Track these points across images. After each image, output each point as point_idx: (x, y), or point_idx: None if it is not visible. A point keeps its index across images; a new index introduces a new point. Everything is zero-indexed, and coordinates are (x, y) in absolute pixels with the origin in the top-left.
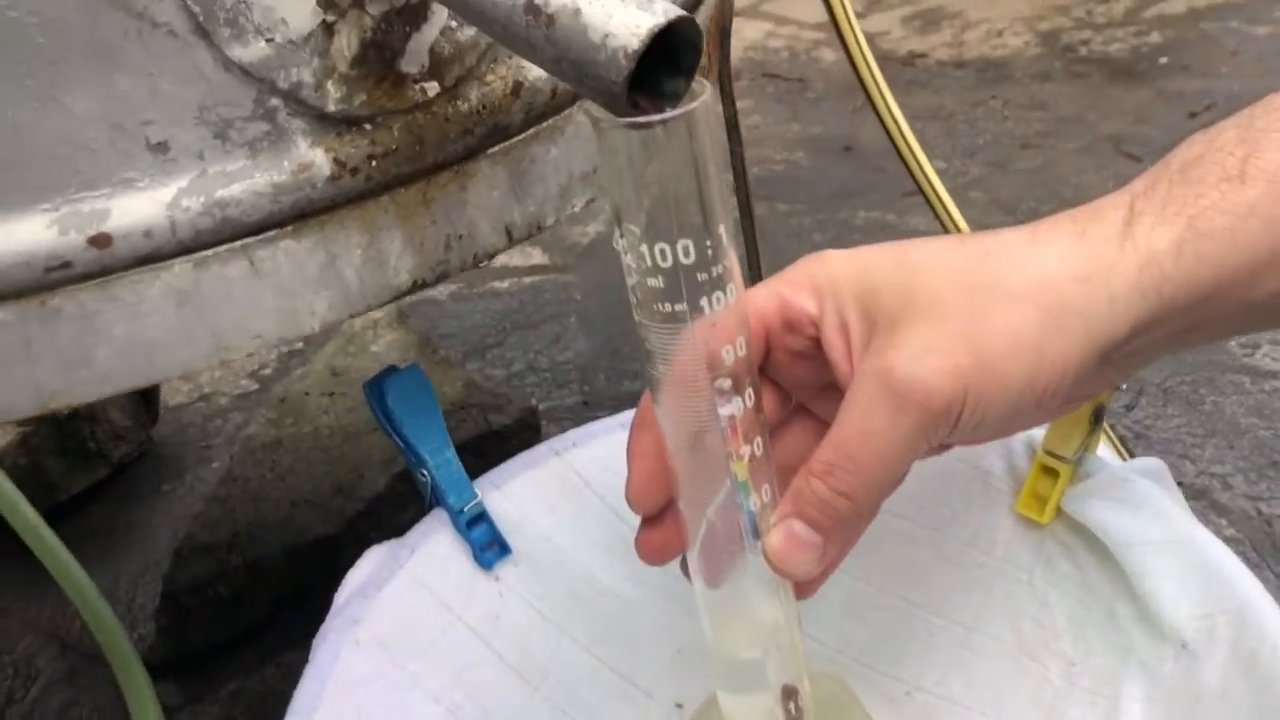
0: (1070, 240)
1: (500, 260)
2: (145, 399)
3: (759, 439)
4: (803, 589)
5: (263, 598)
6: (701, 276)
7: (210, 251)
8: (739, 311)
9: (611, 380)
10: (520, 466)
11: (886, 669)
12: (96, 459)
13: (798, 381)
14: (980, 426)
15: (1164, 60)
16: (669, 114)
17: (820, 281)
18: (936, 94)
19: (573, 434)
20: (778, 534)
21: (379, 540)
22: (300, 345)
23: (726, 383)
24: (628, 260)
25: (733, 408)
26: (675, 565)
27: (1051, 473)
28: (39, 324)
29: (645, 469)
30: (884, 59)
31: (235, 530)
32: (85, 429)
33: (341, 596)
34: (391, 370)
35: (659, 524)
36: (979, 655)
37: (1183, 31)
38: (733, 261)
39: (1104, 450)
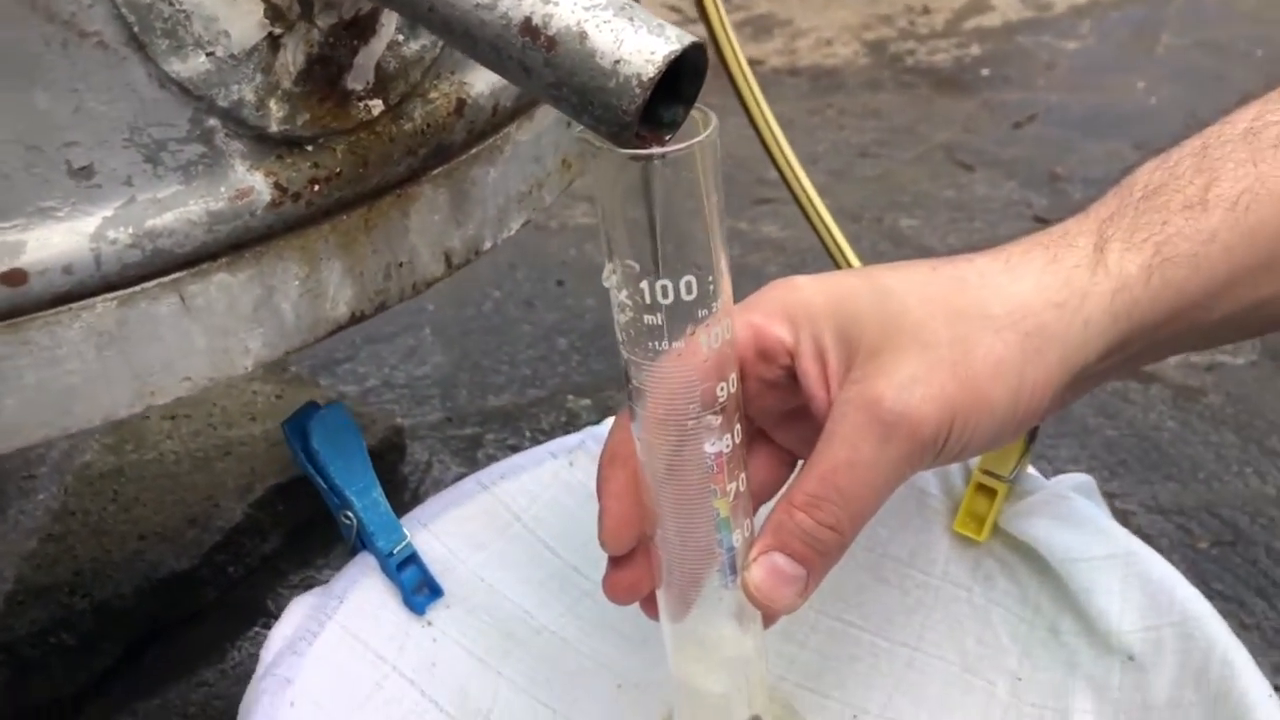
0: (1043, 266)
1: None
2: None
3: (742, 475)
4: (769, 618)
5: (113, 642)
6: (701, 312)
7: (138, 288)
8: (732, 345)
9: (475, 395)
10: (447, 503)
11: (831, 693)
12: None
13: (764, 410)
14: (963, 452)
15: (986, 72)
16: (681, 145)
17: (794, 309)
18: (773, 102)
19: (499, 466)
20: (760, 569)
21: (238, 574)
22: None
23: (716, 419)
24: (621, 297)
25: (721, 445)
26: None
27: (988, 491)
28: None
29: (620, 509)
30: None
31: (77, 569)
32: None
33: (269, 653)
34: (312, 407)
35: (629, 563)
36: (925, 676)
37: (1000, 44)
38: (729, 294)
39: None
